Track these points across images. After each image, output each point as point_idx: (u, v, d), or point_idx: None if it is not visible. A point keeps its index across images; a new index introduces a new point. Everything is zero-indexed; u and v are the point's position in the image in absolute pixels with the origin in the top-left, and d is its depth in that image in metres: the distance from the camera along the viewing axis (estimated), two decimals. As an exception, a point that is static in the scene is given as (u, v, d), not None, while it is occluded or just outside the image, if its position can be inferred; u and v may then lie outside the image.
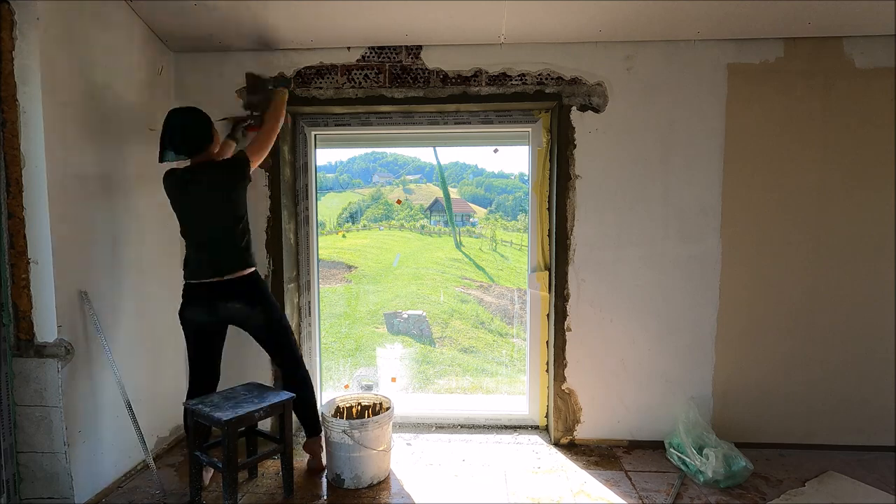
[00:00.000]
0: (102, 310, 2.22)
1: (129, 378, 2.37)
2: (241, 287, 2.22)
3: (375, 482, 2.35)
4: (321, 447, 2.47)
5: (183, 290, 2.27)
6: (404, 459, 2.57)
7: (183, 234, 2.28)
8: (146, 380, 2.53)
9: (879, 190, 2.57)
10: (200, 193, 2.19)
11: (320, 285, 3.08)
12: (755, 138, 2.57)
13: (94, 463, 2.19)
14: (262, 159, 2.33)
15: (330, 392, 3.22)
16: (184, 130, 2.18)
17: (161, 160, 2.22)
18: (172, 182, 2.24)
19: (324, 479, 2.41)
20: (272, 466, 2.50)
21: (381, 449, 2.35)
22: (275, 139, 2.37)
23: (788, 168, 2.58)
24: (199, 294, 2.23)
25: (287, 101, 2.49)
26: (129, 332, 2.42)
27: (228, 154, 2.46)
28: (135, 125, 2.46)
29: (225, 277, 2.20)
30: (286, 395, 2.26)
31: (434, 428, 2.94)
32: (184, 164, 2.31)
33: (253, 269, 2.28)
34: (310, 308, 3.01)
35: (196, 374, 2.34)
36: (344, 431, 2.27)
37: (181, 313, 2.27)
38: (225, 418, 2.02)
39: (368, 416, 2.48)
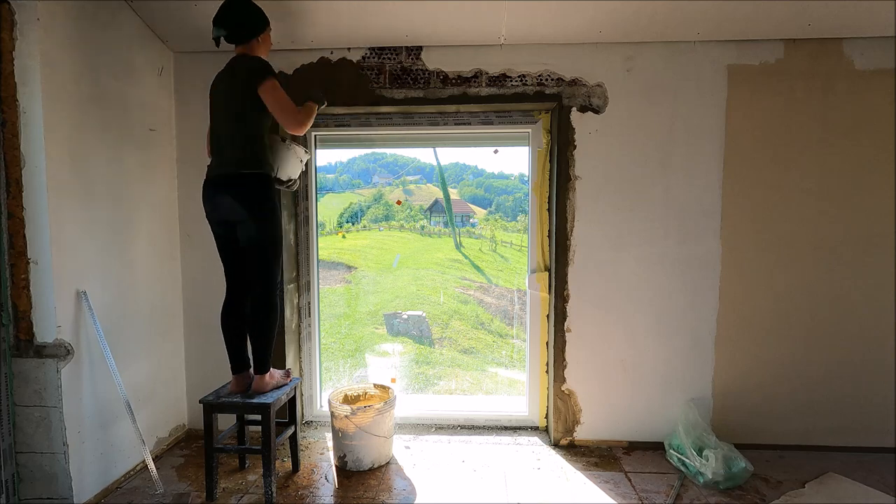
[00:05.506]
0: (102, 310, 2.22)
1: (129, 378, 2.37)
2: (239, 186, 2.10)
3: (376, 466, 2.49)
4: (266, 384, 2.27)
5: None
6: (403, 461, 2.57)
7: (210, 128, 2.25)
8: (145, 380, 2.53)
9: (879, 191, 2.57)
10: (226, 84, 2.15)
11: (320, 286, 3.08)
12: (755, 139, 2.57)
13: (94, 463, 2.19)
14: (270, 107, 2.10)
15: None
16: (230, 7, 2.12)
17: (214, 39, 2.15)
18: (216, 76, 2.21)
19: (331, 462, 2.54)
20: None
21: (381, 435, 2.47)
22: (285, 117, 2.10)
23: (788, 169, 2.58)
24: (207, 189, 2.17)
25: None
26: (129, 332, 2.42)
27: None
28: (135, 125, 2.46)
29: (225, 173, 2.12)
30: (295, 379, 2.44)
31: (434, 429, 2.94)
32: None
33: (258, 171, 2.12)
34: (310, 309, 3.01)
35: (226, 274, 2.27)
36: (346, 416, 2.41)
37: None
38: (268, 401, 2.16)
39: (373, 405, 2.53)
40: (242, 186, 2.11)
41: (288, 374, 2.41)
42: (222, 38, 2.14)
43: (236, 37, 2.15)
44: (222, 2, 2.13)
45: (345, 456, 2.46)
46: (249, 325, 2.23)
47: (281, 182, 2.35)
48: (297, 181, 2.46)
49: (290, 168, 2.36)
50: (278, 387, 2.30)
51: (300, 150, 2.38)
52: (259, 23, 2.18)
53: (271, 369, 2.32)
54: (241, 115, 2.12)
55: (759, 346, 2.65)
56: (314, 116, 2.22)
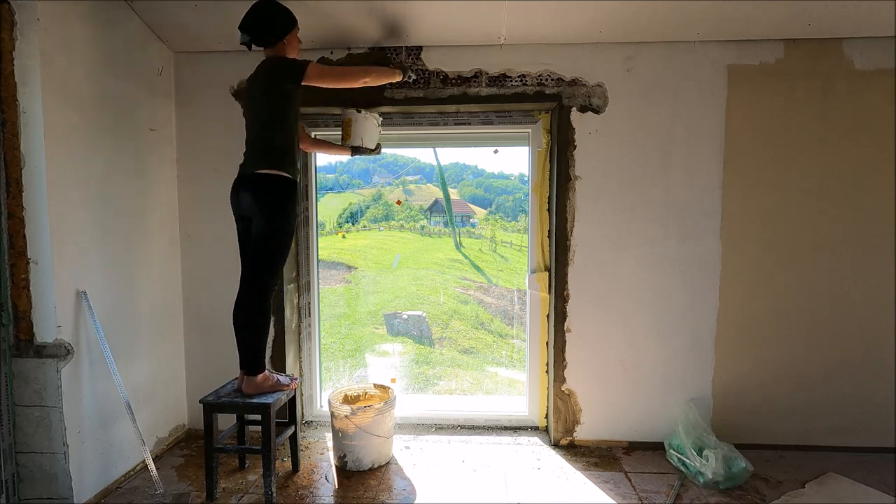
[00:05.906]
0: (102, 310, 2.22)
1: (129, 378, 2.38)
2: (254, 185, 2.14)
3: (376, 466, 2.49)
4: (256, 386, 2.25)
5: None
6: (403, 461, 2.57)
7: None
8: (145, 380, 2.53)
9: (879, 191, 2.57)
10: (252, 85, 2.21)
11: (320, 286, 3.08)
12: (755, 139, 2.57)
13: (94, 463, 2.19)
14: (328, 84, 2.23)
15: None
16: (254, 11, 2.14)
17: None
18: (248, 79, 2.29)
19: (331, 462, 2.54)
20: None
21: (381, 435, 2.47)
22: (347, 81, 2.31)
23: (788, 169, 2.58)
24: (233, 186, 2.23)
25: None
26: (129, 332, 2.42)
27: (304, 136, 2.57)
28: (135, 125, 2.45)
29: (244, 173, 2.18)
30: (296, 378, 2.44)
31: (434, 429, 2.94)
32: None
33: (274, 171, 2.13)
34: (310, 309, 3.01)
35: (241, 270, 2.28)
36: (346, 416, 2.41)
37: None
38: (268, 401, 2.16)
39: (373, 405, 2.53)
40: (256, 186, 2.14)
41: (293, 380, 2.38)
42: (252, 44, 2.18)
43: (262, 41, 2.18)
44: (246, 5, 2.14)
45: (345, 456, 2.46)
46: (240, 322, 2.23)
47: (370, 150, 2.58)
48: (380, 146, 2.64)
49: (371, 134, 2.56)
50: (275, 391, 2.27)
51: (374, 115, 2.56)
52: (284, 24, 2.19)
53: (275, 375, 2.32)
54: (261, 115, 2.18)
55: (759, 346, 2.65)
56: (384, 72, 2.42)
